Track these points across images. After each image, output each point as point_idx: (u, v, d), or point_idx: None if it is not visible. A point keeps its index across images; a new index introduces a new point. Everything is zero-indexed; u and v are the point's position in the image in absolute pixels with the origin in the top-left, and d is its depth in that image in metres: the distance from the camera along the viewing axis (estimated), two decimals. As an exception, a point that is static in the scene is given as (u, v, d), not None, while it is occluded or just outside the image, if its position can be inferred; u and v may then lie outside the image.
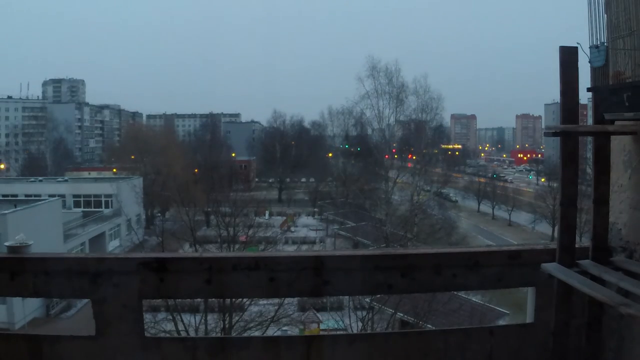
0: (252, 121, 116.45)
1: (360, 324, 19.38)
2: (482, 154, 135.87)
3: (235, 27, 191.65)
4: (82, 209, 45.93)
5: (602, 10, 2.86)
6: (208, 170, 62.79)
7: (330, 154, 69.06)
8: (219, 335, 17.82)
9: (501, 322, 18.85)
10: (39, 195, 41.23)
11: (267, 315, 20.48)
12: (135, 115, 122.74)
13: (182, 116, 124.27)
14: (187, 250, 26.49)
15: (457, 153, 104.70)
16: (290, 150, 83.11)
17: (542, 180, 76.19)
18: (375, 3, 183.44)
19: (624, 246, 3.05)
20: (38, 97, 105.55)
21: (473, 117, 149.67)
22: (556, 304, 2.95)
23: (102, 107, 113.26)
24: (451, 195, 66.05)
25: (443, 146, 73.61)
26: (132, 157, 67.74)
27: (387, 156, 49.33)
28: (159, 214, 54.71)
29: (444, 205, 52.78)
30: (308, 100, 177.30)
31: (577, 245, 3.04)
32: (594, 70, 2.91)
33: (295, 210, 61.60)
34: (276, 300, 19.56)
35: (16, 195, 41.97)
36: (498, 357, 3.19)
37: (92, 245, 38.87)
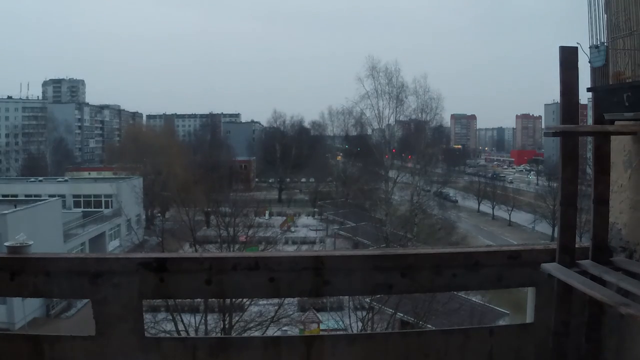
0: (252, 121, 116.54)
1: (360, 324, 19.38)
2: (482, 154, 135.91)
3: (235, 27, 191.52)
4: (82, 209, 45.93)
5: (602, 10, 2.86)
6: (208, 170, 62.84)
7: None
8: (219, 335, 17.83)
9: (501, 322, 18.85)
10: (39, 195, 41.24)
11: (267, 315, 20.47)
12: (135, 115, 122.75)
13: (182, 116, 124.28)
14: (187, 250, 26.48)
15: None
16: (290, 150, 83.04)
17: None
18: (376, 3, 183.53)
19: (624, 246, 3.05)
20: (38, 97, 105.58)
21: (473, 117, 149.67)
22: (556, 304, 2.96)
23: (102, 107, 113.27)
24: (451, 195, 66.09)
25: (443, 147, 73.76)
26: (133, 157, 67.74)
27: (387, 156, 49.36)
28: (159, 214, 54.68)
29: (444, 205, 52.80)
30: (308, 100, 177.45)
31: (577, 245, 3.04)
32: (594, 70, 2.91)
33: (295, 210, 61.62)
34: (276, 300, 19.55)
35: (16, 195, 41.97)
36: (498, 357, 3.19)
37: (92, 245, 38.87)
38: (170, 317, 19.14)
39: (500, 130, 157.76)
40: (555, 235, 5.33)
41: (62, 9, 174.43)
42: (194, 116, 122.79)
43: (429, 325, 17.36)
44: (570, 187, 3.05)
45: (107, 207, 46.21)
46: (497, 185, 72.70)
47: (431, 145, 51.43)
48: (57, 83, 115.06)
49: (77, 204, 47.31)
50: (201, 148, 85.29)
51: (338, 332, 16.57)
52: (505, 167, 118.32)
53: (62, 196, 43.25)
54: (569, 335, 2.98)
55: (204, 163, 69.90)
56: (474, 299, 22.13)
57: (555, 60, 2.98)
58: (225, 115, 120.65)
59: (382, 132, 50.51)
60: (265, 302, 20.60)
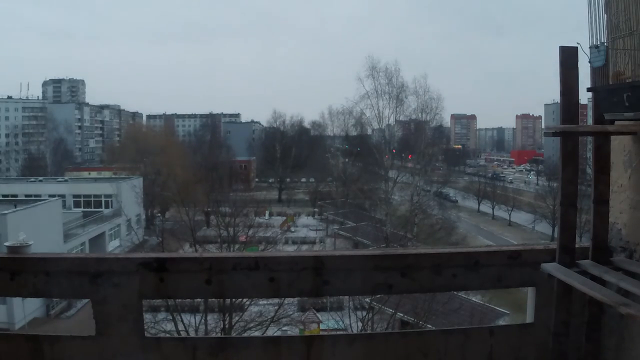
0: (252, 121, 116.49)
1: (360, 324, 19.36)
2: (482, 154, 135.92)
3: (235, 26, 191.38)
4: (82, 209, 45.92)
5: (602, 10, 2.86)
6: (208, 170, 62.85)
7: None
8: (219, 335, 17.82)
9: (501, 322, 18.85)
10: (39, 195, 41.24)
11: (267, 315, 20.47)
12: (135, 115, 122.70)
13: (182, 116, 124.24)
14: (187, 250, 26.47)
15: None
16: (290, 150, 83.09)
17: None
18: (376, 3, 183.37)
19: (624, 246, 3.05)
20: (38, 97, 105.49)
21: (473, 117, 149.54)
22: (556, 304, 2.96)
23: (102, 107, 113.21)
24: (451, 195, 66.11)
25: (443, 147, 73.76)
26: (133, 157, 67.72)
27: (387, 156, 49.40)
28: (159, 214, 54.74)
29: (444, 205, 52.81)
30: (308, 100, 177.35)
31: (577, 245, 3.04)
32: (594, 70, 2.91)
33: (295, 210, 61.58)
34: (276, 300, 19.55)
35: (16, 195, 41.97)
36: (498, 357, 3.19)
37: (92, 245, 38.87)
38: (170, 317, 19.14)
39: (500, 130, 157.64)
40: (555, 235, 5.34)
41: (62, 9, 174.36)
42: (194, 116, 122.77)
43: (429, 325, 17.34)
44: (570, 187, 3.05)
45: (107, 207, 46.21)
46: (497, 185, 72.73)
47: (431, 145, 51.46)
48: (57, 83, 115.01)
49: (77, 204, 47.30)
50: (201, 148, 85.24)
51: (338, 332, 16.55)
52: (505, 167, 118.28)
53: (62, 196, 43.25)
54: (569, 335, 2.98)
55: (204, 163, 69.89)
56: (474, 299, 22.13)
57: (556, 59, 2.98)
58: (225, 115, 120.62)
59: (382, 132, 50.58)
60: (265, 302, 20.60)
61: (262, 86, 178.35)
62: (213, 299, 17.31)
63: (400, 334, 5.29)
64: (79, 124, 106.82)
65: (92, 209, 46.01)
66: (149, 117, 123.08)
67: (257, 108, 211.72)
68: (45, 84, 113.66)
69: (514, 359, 3.21)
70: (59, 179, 57.64)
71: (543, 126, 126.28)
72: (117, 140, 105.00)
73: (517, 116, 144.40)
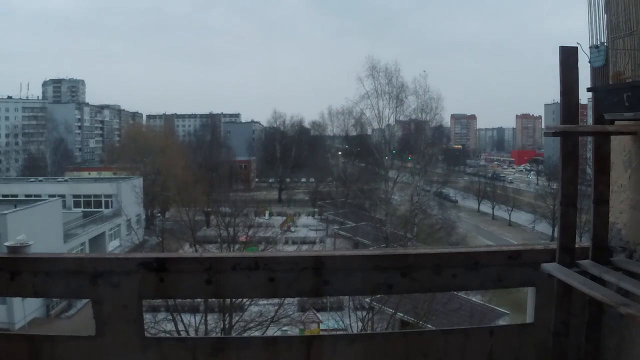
0: (252, 121, 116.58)
1: (360, 324, 19.37)
2: (482, 154, 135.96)
3: (235, 26, 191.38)
4: (82, 209, 45.95)
5: (602, 10, 2.86)
6: (208, 170, 62.89)
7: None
8: (219, 335, 17.83)
9: (501, 322, 18.85)
10: (39, 195, 41.27)
11: (267, 315, 20.47)
12: (135, 115, 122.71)
13: (182, 116, 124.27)
14: (187, 250, 26.48)
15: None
16: (290, 150, 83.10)
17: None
18: (375, 3, 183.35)
19: (624, 246, 3.05)
20: (38, 97, 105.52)
21: (473, 117, 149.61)
22: (556, 303, 2.96)
23: (102, 107, 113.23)
24: (451, 195, 66.12)
25: (443, 147, 73.85)
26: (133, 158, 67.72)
27: (387, 156, 49.40)
28: (159, 214, 54.73)
29: (444, 205, 52.82)
30: (308, 100, 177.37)
31: (577, 245, 3.04)
32: (594, 70, 2.90)
33: (295, 210, 61.60)
34: (276, 300, 19.56)
35: (16, 195, 41.99)
36: (498, 357, 3.19)
37: (92, 245, 38.88)
38: (170, 317, 19.14)
39: (500, 130, 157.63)
40: (555, 235, 5.34)
41: (62, 9, 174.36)
42: (194, 116, 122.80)
43: (429, 325, 17.35)
44: (570, 187, 3.05)
45: (107, 207, 46.22)
46: (497, 185, 72.75)
47: (431, 145, 51.44)
48: (57, 83, 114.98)
49: (77, 204, 47.32)
50: (201, 148, 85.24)
51: (338, 332, 16.55)
52: (505, 167, 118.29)
53: (62, 196, 43.26)
54: (569, 335, 2.98)
55: (204, 163, 69.93)
56: (474, 299, 22.12)
57: (556, 59, 2.98)
58: (225, 115, 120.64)
59: (382, 132, 50.55)
60: (265, 302, 20.60)
61: (262, 86, 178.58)
62: (213, 299, 17.31)
63: (400, 334, 5.30)
64: (79, 124, 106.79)
65: (92, 209, 46.02)
66: (149, 117, 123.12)
67: (257, 108, 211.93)
68: (45, 84, 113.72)
69: (514, 359, 3.21)
70: (59, 179, 57.66)
71: (543, 126, 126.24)
72: (117, 140, 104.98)
73: (517, 116, 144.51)
